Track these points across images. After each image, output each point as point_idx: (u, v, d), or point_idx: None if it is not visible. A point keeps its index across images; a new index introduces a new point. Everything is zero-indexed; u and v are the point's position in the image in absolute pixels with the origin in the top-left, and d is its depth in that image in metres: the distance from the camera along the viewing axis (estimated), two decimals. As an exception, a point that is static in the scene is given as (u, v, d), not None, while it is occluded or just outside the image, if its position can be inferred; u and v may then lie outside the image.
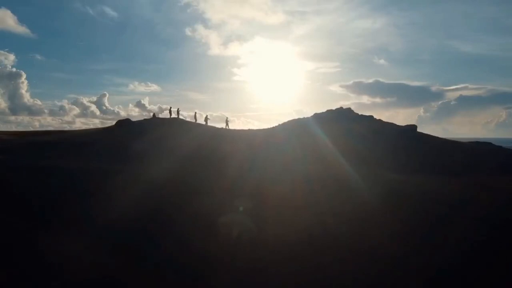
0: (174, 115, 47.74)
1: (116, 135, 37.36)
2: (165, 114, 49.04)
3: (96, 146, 31.36)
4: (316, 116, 47.05)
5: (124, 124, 41.56)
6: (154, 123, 43.16)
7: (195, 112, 49.18)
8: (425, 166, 30.37)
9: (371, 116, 46.71)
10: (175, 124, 42.89)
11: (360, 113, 48.27)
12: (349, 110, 48.73)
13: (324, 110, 48.47)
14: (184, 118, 47.95)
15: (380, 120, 46.19)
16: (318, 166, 26.51)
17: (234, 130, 46.30)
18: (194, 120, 47.77)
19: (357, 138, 38.71)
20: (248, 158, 28.49)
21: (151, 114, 49.99)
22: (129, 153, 29.68)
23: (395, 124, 45.10)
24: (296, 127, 43.01)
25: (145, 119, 46.59)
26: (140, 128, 40.43)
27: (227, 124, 46.28)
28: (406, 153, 35.61)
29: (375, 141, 38.21)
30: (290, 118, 47.09)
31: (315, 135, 38.68)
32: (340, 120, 44.83)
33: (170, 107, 49.53)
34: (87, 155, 28.40)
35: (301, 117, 47.36)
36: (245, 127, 48.56)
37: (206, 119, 47.13)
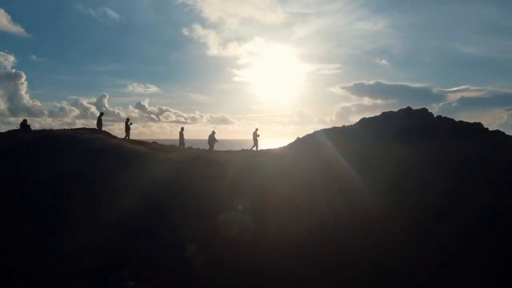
0: (124, 129, 25.53)
1: None
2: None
3: None
4: (365, 122, 22.91)
5: None
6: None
7: (182, 128, 25.99)
8: None
9: (479, 124, 22.61)
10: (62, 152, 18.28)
11: (444, 116, 24.29)
12: (423, 111, 24.65)
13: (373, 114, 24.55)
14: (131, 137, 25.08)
15: (498, 132, 22.06)
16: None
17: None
18: (180, 144, 25.64)
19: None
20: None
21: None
22: None
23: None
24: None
25: None
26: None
27: (255, 143, 25.21)
28: None
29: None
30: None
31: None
32: (415, 132, 20.97)
33: (101, 113, 25.81)
34: None
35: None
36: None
37: (212, 138, 24.53)
